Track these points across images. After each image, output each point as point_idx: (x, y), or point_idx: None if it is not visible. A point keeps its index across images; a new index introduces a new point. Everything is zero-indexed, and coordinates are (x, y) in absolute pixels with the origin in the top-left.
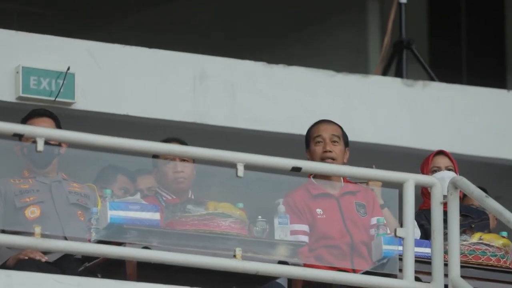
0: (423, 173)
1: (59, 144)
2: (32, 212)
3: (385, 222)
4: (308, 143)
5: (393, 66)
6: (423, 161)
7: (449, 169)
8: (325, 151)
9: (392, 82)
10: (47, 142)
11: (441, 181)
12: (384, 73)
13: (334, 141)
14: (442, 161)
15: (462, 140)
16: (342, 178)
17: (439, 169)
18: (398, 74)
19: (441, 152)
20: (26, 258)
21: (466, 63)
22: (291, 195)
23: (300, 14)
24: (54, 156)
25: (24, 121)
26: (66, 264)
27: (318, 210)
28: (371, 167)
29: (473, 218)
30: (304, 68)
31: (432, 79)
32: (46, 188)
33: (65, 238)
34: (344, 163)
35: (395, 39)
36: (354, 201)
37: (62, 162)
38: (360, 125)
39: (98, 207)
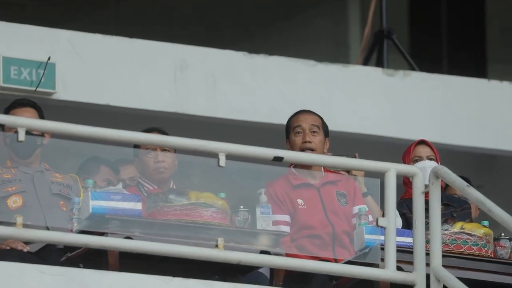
0: (404, 162)
1: (42, 134)
2: (14, 201)
3: (367, 211)
4: (288, 133)
5: (374, 56)
6: (404, 151)
7: (431, 159)
8: (304, 142)
9: (373, 72)
10: (29, 132)
11: (423, 170)
12: (365, 63)
13: (314, 132)
14: (423, 150)
15: (443, 129)
16: (322, 168)
17: (420, 158)
18: (379, 64)
19: (422, 142)
20: (8, 248)
21: (446, 53)
22: (271, 185)
23: (281, 4)
24: (37, 147)
25: (7, 111)
26: (48, 254)
27: (299, 200)
28: (354, 155)
29: (455, 208)
30: (285, 58)
31: (412, 69)
32: (28, 178)
33: (47, 228)
34: (324, 153)
35: (375, 29)
36: (335, 190)
37: (45, 152)
38: (341, 115)
39: (80, 198)
